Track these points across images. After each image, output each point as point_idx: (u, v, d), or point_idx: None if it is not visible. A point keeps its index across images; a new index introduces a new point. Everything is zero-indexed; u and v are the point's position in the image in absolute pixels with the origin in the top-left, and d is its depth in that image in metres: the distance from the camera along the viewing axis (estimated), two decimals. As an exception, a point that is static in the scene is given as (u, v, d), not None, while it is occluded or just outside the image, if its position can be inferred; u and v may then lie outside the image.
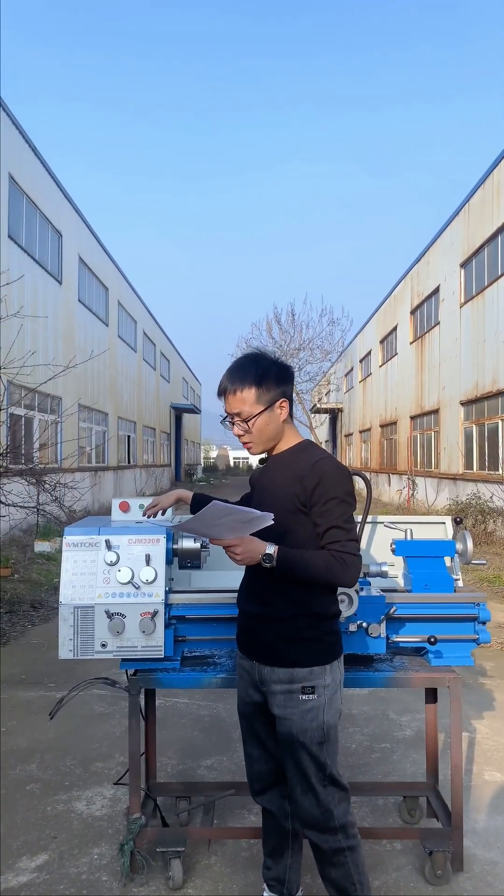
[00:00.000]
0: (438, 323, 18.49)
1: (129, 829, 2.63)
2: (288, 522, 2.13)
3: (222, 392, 2.23)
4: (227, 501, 2.17)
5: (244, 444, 2.25)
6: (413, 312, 21.64)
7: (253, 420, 2.18)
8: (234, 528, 2.06)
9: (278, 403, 2.20)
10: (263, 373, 2.19)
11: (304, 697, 2.13)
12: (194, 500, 2.57)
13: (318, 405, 33.98)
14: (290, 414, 2.28)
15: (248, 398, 2.17)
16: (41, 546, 10.57)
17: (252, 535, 2.23)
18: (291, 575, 2.08)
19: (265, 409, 2.18)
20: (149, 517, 2.63)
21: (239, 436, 2.24)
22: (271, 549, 2.05)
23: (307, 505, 2.10)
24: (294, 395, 2.37)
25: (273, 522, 2.01)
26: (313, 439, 29.07)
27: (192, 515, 2.10)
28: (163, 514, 2.66)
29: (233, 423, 2.24)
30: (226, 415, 2.26)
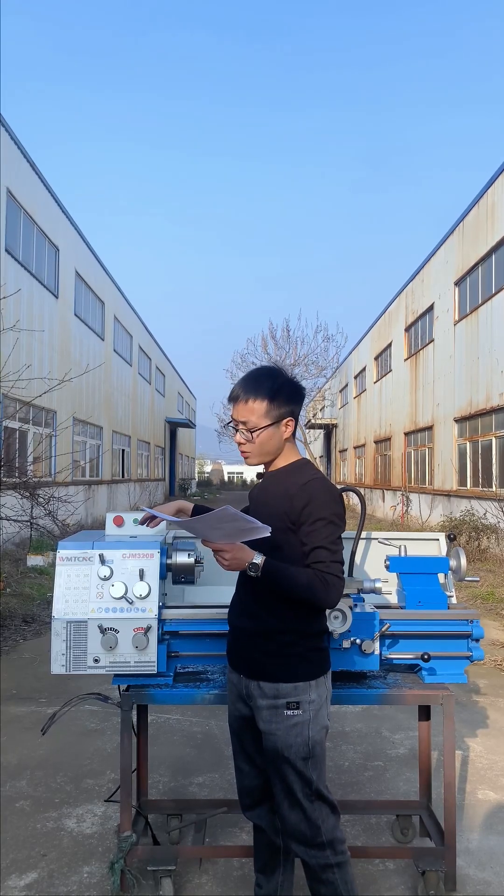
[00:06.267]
0: (433, 340, 18.60)
1: (119, 847, 2.61)
2: (278, 539, 2.15)
3: (234, 398, 2.25)
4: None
5: (243, 452, 2.27)
6: (407, 329, 21.77)
7: (258, 432, 2.20)
8: (231, 534, 2.07)
9: (285, 421, 2.23)
10: (278, 389, 2.22)
11: (288, 713, 2.13)
12: (195, 511, 2.58)
13: (313, 421, 34.03)
14: (293, 433, 2.31)
15: (257, 410, 2.19)
16: (34, 560, 10.52)
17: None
18: (274, 587, 2.09)
19: (271, 424, 2.20)
20: (146, 525, 2.61)
21: (240, 444, 2.26)
22: (258, 558, 2.07)
23: (296, 524, 2.12)
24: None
25: (269, 535, 2.02)
26: (307, 455, 29.09)
27: (193, 518, 2.14)
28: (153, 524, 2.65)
29: (237, 430, 2.26)
30: (231, 421, 2.28)
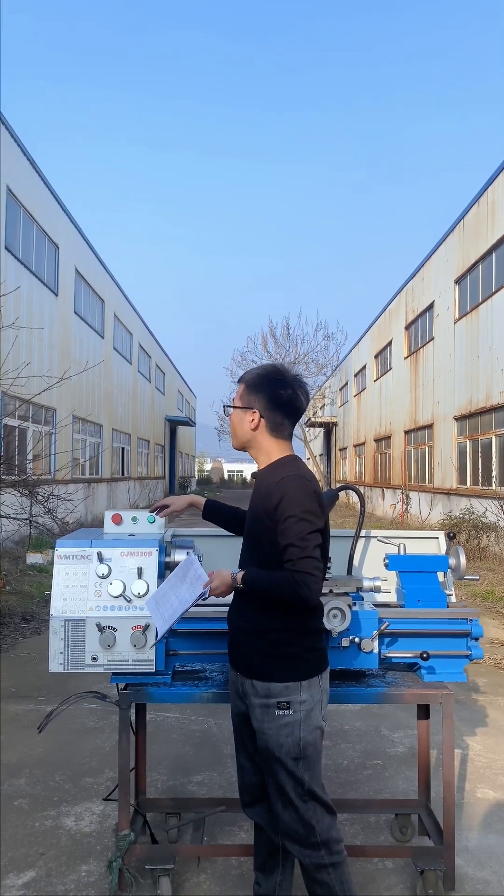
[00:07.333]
0: (433, 338, 18.58)
1: (117, 846, 2.60)
2: (261, 538, 2.19)
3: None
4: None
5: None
6: (408, 328, 21.75)
7: (230, 410, 2.37)
8: (192, 582, 2.20)
9: (251, 411, 2.29)
10: (259, 380, 2.32)
11: (279, 713, 2.14)
12: (207, 506, 2.60)
13: (313, 419, 34.00)
14: (287, 436, 2.35)
15: (238, 391, 2.38)
16: (33, 558, 10.52)
17: (243, 549, 2.33)
18: (258, 595, 2.13)
19: (240, 408, 2.33)
20: (156, 514, 2.64)
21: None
22: (236, 573, 2.14)
23: (274, 521, 2.13)
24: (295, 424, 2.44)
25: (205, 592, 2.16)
26: (307, 453, 29.08)
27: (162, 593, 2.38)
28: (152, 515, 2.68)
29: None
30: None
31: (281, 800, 2.16)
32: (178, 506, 2.61)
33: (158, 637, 2.30)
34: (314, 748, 2.17)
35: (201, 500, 2.62)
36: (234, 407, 2.35)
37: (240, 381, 2.39)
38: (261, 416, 2.29)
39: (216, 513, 2.63)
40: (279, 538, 2.11)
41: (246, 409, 2.30)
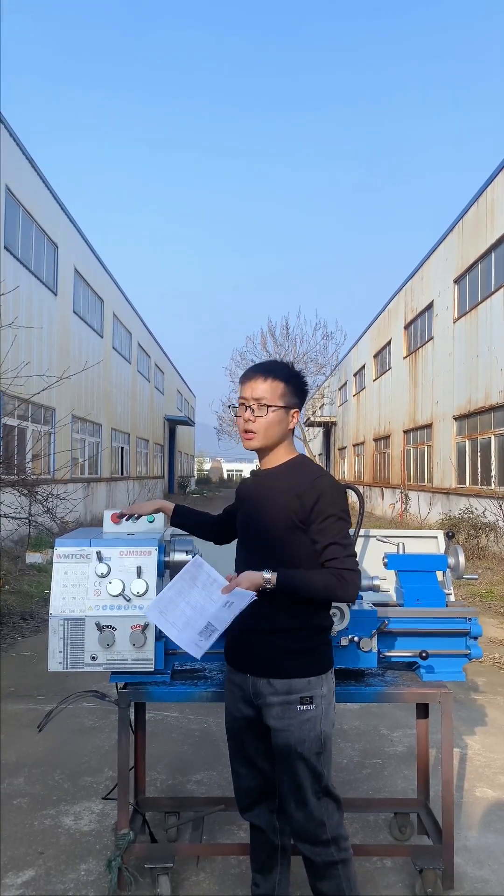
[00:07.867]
0: (432, 338, 18.59)
1: (116, 845, 2.60)
2: (283, 538, 2.16)
3: (249, 377, 2.24)
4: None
5: (247, 432, 2.23)
6: (407, 327, 21.75)
7: (274, 410, 2.20)
8: (204, 586, 2.10)
9: (293, 412, 2.27)
10: (293, 377, 2.28)
11: (301, 708, 2.13)
12: (176, 511, 2.57)
13: (312, 419, 33.99)
14: (293, 431, 2.33)
15: (275, 389, 2.21)
16: (33, 557, 10.52)
17: (249, 552, 2.26)
18: (291, 595, 2.10)
19: (283, 408, 2.23)
20: (120, 520, 2.61)
21: (247, 421, 2.22)
22: (269, 574, 2.07)
23: (305, 522, 2.12)
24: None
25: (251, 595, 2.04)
26: (307, 452, 29.08)
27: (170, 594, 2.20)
28: (136, 519, 2.63)
29: (247, 408, 2.22)
30: (239, 402, 2.25)
31: (295, 797, 2.16)
32: (145, 510, 2.57)
33: (199, 653, 2.13)
34: (331, 742, 2.20)
35: (170, 506, 2.58)
36: (280, 408, 2.22)
37: (270, 377, 2.22)
38: (299, 415, 2.30)
39: (184, 517, 2.59)
40: (315, 537, 2.11)
41: (288, 409, 2.25)
